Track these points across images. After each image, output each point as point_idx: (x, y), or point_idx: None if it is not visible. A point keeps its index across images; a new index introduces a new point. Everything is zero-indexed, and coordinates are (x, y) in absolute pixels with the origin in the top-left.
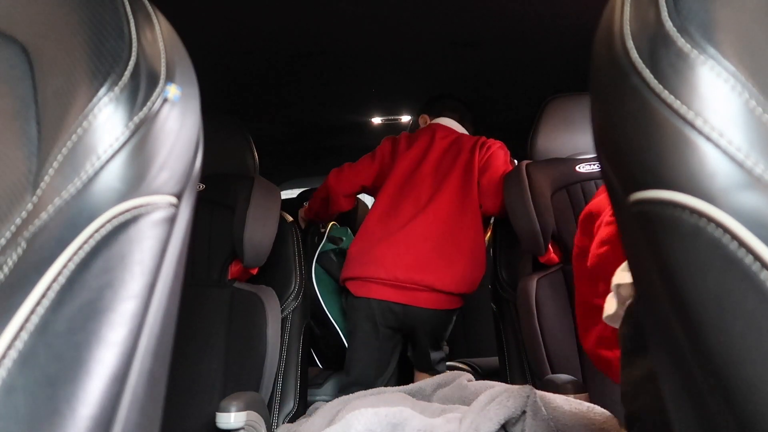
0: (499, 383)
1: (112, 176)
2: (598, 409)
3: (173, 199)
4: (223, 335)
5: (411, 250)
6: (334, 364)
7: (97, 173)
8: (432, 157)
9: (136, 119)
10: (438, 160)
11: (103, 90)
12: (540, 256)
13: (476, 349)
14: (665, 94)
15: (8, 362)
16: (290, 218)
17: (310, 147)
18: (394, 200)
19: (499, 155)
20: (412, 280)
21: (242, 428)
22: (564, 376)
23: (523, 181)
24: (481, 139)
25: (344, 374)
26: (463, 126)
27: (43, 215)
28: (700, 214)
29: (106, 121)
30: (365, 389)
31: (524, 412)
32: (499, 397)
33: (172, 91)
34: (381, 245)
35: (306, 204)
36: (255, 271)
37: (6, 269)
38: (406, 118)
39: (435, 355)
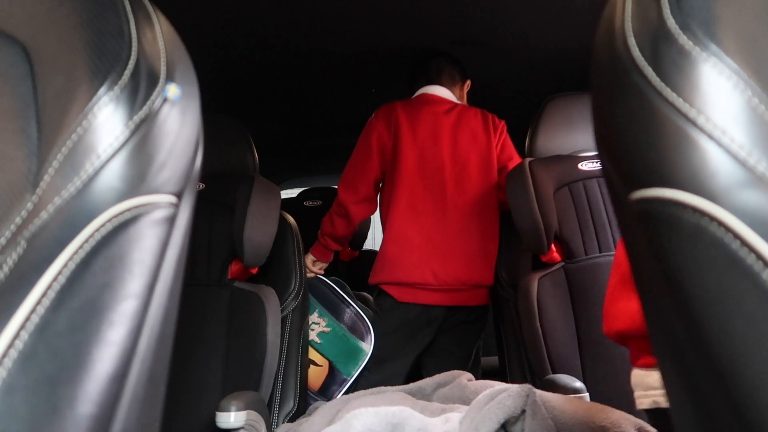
0: (499, 383)
1: (112, 176)
2: (598, 407)
3: (173, 199)
4: (222, 335)
5: (453, 251)
6: None
7: (97, 173)
8: (445, 141)
9: (136, 119)
10: (452, 142)
11: (103, 89)
12: (542, 254)
13: None
14: (667, 91)
15: (8, 362)
16: (290, 218)
17: (310, 146)
18: (417, 193)
19: (508, 138)
20: (460, 282)
21: (242, 428)
22: (564, 377)
23: (527, 178)
24: (488, 116)
25: (368, 373)
26: (444, 85)
27: (43, 215)
28: (702, 213)
29: (106, 120)
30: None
31: (524, 411)
32: (498, 397)
33: (172, 90)
34: (421, 249)
35: (312, 255)
36: (255, 271)
37: (6, 269)
38: None
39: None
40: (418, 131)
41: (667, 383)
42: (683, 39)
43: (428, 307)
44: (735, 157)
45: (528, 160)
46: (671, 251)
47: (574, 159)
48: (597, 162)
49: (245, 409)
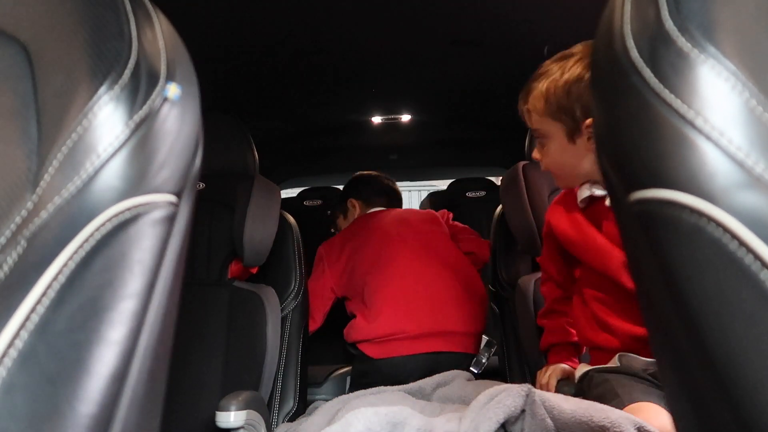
0: (499, 382)
1: (112, 175)
2: (597, 406)
3: (173, 198)
4: (223, 334)
5: (427, 300)
6: None
7: (97, 172)
8: (401, 232)
9: (136, 118)
10: (408, 230)
11: (103, 89)
12: (537, 256)
13: None
14: (665, 93)
15: (8, 361)
16: (290, 218)
17: (310, 146)
18: (389, 272)
19: (459, 225)
20: (435, 329)
21: (242, 427)
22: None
23: (520, 181)
24: (429, 212)
25: None
26: (391, 204)
27: (43, 214)
28: (700, 214)
29: (107, 119)
30: None
31: (524, 411)
32: (498, 396)
33: (172, 90)
34: (391, 306)
35: None
36: (255, 270)
37: (6, 268)
38: (406, 118)
39: None
40: (372, 240)
41: (666, 383)
42: (681, 41)
43: (406, 359)
44: (733, 158)
45: (522, 163)
46: (670, 252)
47: None
48: None
49: (245, 408)
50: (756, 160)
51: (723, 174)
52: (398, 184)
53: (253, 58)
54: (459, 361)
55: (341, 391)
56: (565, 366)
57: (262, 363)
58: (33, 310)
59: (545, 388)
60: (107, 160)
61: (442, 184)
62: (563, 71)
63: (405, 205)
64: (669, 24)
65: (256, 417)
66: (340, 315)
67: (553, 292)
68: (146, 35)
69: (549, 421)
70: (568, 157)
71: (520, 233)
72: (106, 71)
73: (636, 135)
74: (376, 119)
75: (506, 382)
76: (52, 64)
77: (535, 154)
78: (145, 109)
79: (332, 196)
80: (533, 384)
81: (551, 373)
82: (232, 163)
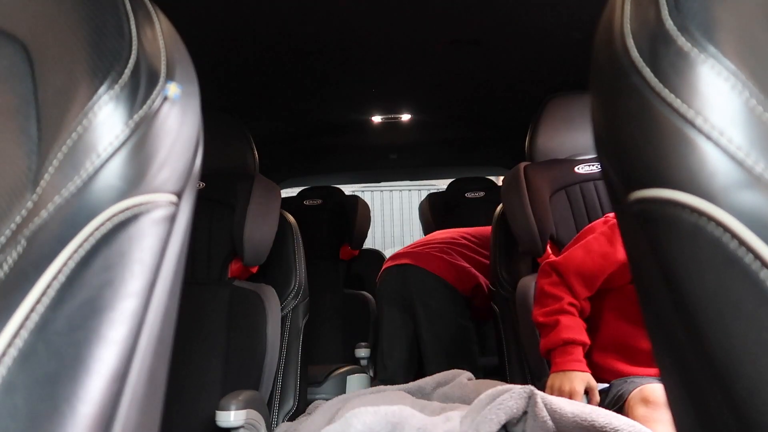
0: (500, 382)
1: (112, 174)
2: (601, 411)
3: (173, 198)
4: (223, 333)
5: None
6: None
7: (97, 171)
8: None
9: (136, 117)
10: None
11: (103, 88)
12: (538, 257)
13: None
14: (665, 92)
15: (8, 360)
16: (290, 217)
17: (311, 145)
18: None
19: None
20: None
21: (242, 426)
22: None
23: (521, 183)
24: None
25: None
26: None
27: (43, 213)
28: (700, 213)
29: (107, 119)
30: None
31: (525, 412)
32: (500, 397)
33: (172, 89)
34: None
35: None
36: (255, 270)
37: (6, 267)
38: (406, 117)
39: None
40: None
41: (667, 382)
42: (682, 40)
43: None
44: (733, 157)
45: (523, 164)
46: (670, 251)
47: (571, 163)
48: (593, 165)
49: (245, 407)
50: (756, 159)
51: (723, 173)
52: (398, 183)
53: (253, 57)
54: None
55: (341, 391)
56: (588, 375)
57: (262, 362)
58: (33, 309)
59: (570, 396)
60: (107, 160)
61: (442, 184)
62: None
63: (404, 205)
64: (669, 23)
65: (256, 416)
66: (339, 311)
67: (567, 296)
68: (146, 34)
69: (550, 423)
70: None
71: (521, 235)
72: (106, 70)
73: (636, 135)
74: (376, 119)
75: (506, 382)
76: (51, 63)
77: None
78: (145, 108)
79: (332, 196)
80: (533, 384)
81: (577, 381)
82: (232, 163)
